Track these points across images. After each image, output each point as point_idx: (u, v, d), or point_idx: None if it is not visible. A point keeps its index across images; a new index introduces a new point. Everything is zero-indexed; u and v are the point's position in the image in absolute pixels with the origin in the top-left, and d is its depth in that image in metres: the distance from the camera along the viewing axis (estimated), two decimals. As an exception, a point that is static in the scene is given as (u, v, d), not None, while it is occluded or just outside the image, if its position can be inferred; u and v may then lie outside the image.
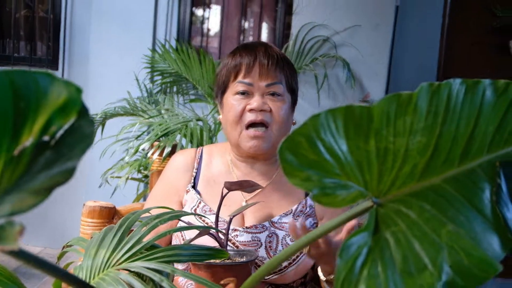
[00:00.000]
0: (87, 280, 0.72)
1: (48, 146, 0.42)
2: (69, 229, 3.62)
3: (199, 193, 1.37)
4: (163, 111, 2.20)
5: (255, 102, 1.31)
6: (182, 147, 1.97)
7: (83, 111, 0.44)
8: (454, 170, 0.58)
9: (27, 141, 0.42)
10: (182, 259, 0.77)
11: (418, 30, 3.39)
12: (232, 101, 1.33)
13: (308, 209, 1.36)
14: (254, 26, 3.76)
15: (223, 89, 1.37)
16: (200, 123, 2.17)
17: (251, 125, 1.31)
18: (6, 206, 0.41)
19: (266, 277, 1.26)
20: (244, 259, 1.08)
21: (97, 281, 0.72)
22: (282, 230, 1.29)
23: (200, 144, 2.17)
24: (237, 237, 1.27)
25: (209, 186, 1.38)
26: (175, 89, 2.99)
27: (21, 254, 0.44)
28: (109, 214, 1.49)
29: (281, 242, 1.27)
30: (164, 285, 0.70)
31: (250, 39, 3.66)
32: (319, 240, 1.07)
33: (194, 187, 1.38)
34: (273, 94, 1.33)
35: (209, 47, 3.73)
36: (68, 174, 0.41)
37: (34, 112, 0.42)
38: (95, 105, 2.64)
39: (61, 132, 0.43)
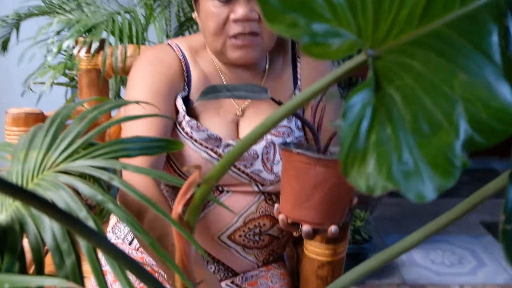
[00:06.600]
0: (20, 188, 0.60)
1: None
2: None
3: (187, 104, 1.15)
4: (83, 5, 1.97)
5: (240, 10, 1.06)
6: (110, 45, 1.76)
7: None
8: (455, 11, 0.48)
9: None
10: (131, 153, 0.66)
11: None
12: (212, 8, 1.08)
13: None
14: None
15: None
16: (129, 16, 1.96)
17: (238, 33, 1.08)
18: None
19: (261, 187, 1.14)
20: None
21: (32, 188, 0.60)
22: (278, 136, 1.15)
23: (130, 41, 1.94)
24: None
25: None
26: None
27: None
28: (37, 121, 1.34)
29: (278, 150, 1.13)
30: (114, 183, 0.58)
31: None
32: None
33: (187, 96, 1.16)
34: None
35: None
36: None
37: None
38: (5, 6, 2.37)
39: None
